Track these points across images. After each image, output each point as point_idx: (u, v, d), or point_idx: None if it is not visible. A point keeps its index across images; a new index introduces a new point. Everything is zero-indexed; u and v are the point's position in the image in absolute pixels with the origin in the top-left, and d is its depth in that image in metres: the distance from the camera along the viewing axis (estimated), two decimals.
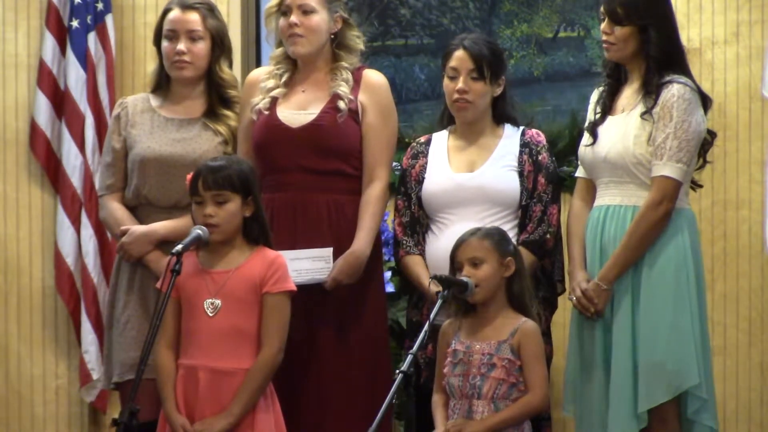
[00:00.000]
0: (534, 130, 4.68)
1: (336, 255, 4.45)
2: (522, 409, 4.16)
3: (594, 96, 4.55)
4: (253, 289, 4.15)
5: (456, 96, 4.58)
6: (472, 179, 4.58)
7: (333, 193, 4.52)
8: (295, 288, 4.20)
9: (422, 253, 4.62)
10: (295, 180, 4.51)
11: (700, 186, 4.58)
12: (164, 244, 4.50)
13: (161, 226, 4.56)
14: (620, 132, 4.37)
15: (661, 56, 4.35)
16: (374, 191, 4.51)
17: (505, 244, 4.24)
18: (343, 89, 4.54)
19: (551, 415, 4.55)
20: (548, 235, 4.55)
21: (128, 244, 4.56)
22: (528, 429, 4.22)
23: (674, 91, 4.31)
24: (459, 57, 4.58)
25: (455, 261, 4.24)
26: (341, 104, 4.52)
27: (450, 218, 4.57)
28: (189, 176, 4.22)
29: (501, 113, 4.66)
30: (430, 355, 4.51)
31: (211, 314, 4.14)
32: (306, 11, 4.53)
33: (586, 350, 4.41)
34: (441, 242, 4.56)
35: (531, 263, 4.49)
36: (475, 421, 4.15)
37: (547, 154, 4.62)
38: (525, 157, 4.59)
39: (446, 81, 4.62)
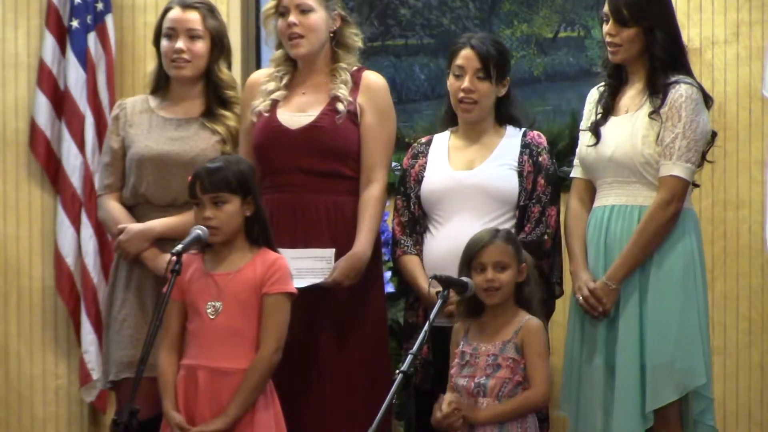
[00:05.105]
0: (535, 132, 4.66)
1: (336, 256, 4.44)
2: (522, 403, 4.17)
3: (593, 96, 4.54)
4: (254, 290, 4.15)
5: (461, 95, 4.56)
6: (471, 177, 4.57)
7: (332, 194, 4.52)
8: (295, 290, 4.20)
9: (420, 254, 4.61)
10: (294, 181, 4.51)
11: (697, 185, 4.58)
12: (161, 241, 4.52)
13: (158, 224, 4.56)
14: (627, 132, 4.37)
15: (665, 56, 4.35)
16: (373, 192, 4.51)
17: (521, 250, 4.28)
18: (342, 91, 4.53)
19: (549, 415, 4.54)
20: (546, 237, 4.53)
21: (125, 242, 4.56)
22: (533, 424, 4.22)
23: (682, 91, 4.31)
24: (466, 56, 4.57)
25: (475, 261, 4.22)
26: (340, 106, 4.52)
27: (447, 217, 4.56)
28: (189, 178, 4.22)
29: (504, 114, 4.65)
30: (426, 357, 4.51)
31: (212, 316, 4.14)
32: (304, 10, 4.53)
33: (586, 350, 4.41)
34: (437, 242, 4.55)
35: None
36: (479, 410, 4.15)
37: (548, 156, 4.61)
38: (525, 157, 4.59)
39: (451, 79, 4.60)
